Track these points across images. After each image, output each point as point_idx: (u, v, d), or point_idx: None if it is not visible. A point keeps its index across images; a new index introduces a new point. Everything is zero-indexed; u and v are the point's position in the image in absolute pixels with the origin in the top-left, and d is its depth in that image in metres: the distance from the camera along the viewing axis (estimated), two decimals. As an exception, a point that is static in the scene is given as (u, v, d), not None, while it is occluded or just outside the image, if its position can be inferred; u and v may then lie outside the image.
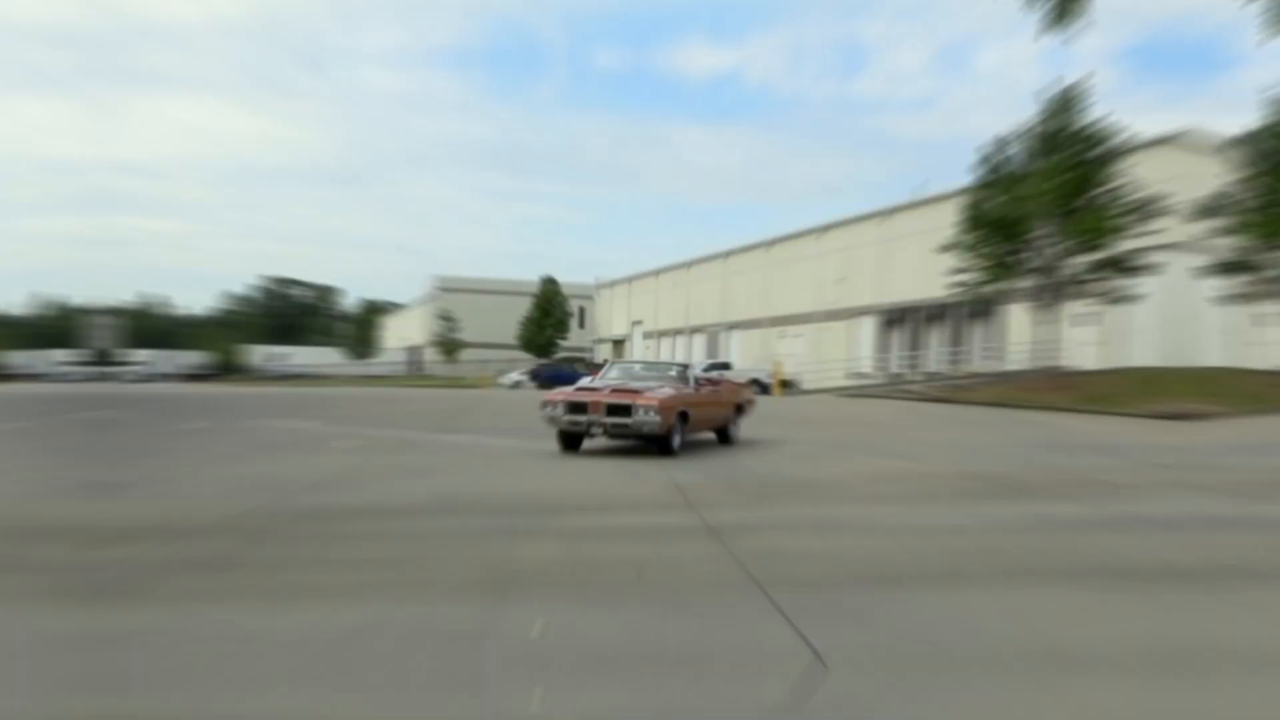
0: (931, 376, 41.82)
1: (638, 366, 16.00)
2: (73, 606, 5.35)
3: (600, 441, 15.11)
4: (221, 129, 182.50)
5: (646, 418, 13.10)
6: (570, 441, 13.93)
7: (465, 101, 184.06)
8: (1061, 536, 8.11)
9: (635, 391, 13.60)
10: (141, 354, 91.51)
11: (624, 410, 13.24)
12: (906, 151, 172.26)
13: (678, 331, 69.26)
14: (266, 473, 11.41)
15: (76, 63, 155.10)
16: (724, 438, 15.81)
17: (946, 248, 32.29)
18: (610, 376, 15.25)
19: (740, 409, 16.42)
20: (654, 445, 13.58)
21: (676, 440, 13.59)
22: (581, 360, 73.21)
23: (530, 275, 76.26)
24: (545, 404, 13.81)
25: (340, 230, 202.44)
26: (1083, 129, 30.14)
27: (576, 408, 13.54)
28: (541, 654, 4.49)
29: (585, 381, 15.17)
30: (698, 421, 14.36)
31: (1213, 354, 33.89)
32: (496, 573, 6.31)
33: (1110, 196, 29.67)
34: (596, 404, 13.41)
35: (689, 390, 14.56)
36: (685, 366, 15.60)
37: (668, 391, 13.86)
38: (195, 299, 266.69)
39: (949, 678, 4.48)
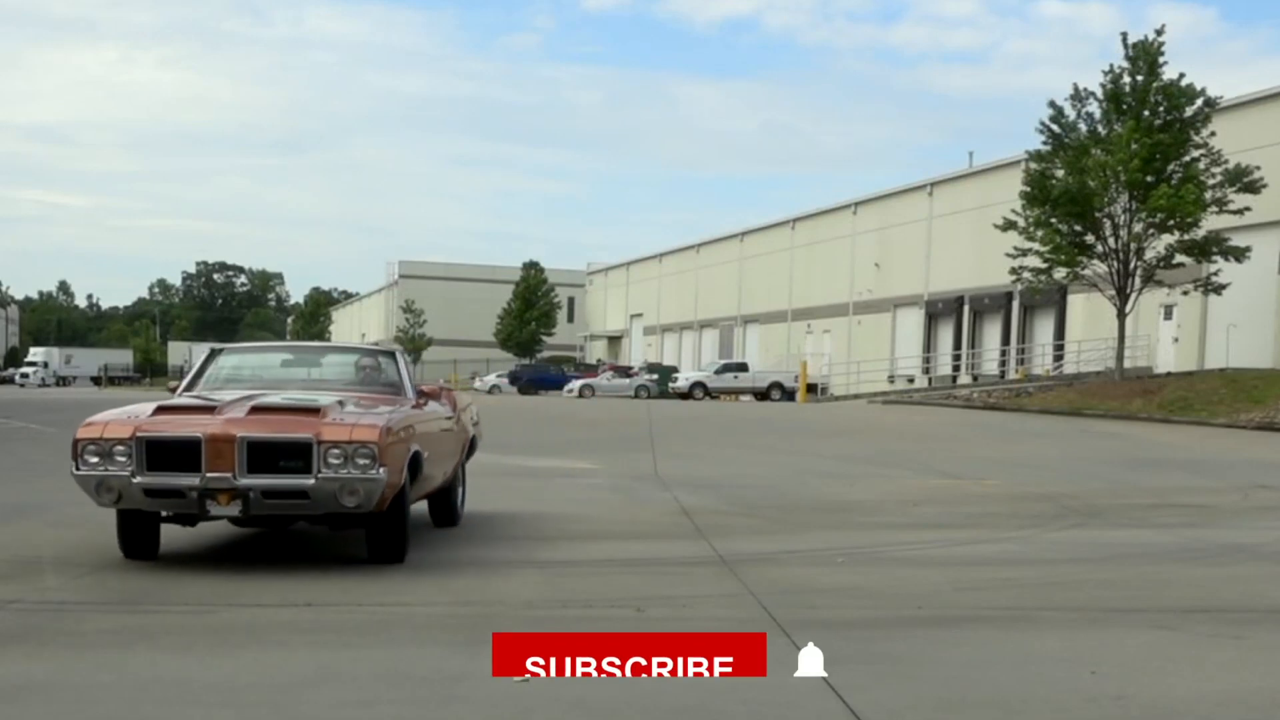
0: (986, 380, 41.88)
1: (278, 359, 10.02)
2: (-35, 652, 5.34)
3: (582, 446, 14.79)
4: (139, 85, 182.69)
5: (352, 473, 7.11)
6: (143, 537, 7.76)
7: (431, 53, 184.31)
8: (1141, 569, 8.12)
9: (309, 411, 7.45)
10: (39, 353, 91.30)
11: (294, 454, 7.13)
12: (955, 113, 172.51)
13: (684, 326, 69.36)
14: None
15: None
16: (443, 512, 9.64)
17: (1004, 227, 32.32)
18: (222, 378, 9.03)
19: (471, 450, 10.39)
20: (367, 536, 7.71)
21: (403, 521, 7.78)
22: (570, 360, 73.37)
23: (510, 260, 76.66)
24: (87, 446, 7.23)
25: (284, 207, 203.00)
26: (1165, 87, 30.18)
27: (169, 456, 7.16)
28: (525, 703, 4.49)
29: (190, 396, 8.64)
30: (425, 477, 8.35)
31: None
32: (470, 610, 6.31)
33: (1196, 167, 29.72)
34: (220, 444, 7.08)
35: (410, 410, 8.48)
36: (390, 354, 9.42)
37: (384, 413, 7.83)
38: (113, 288, 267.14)
39: (1007, 736, 4.47)
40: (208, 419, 7.35)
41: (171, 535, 8.72)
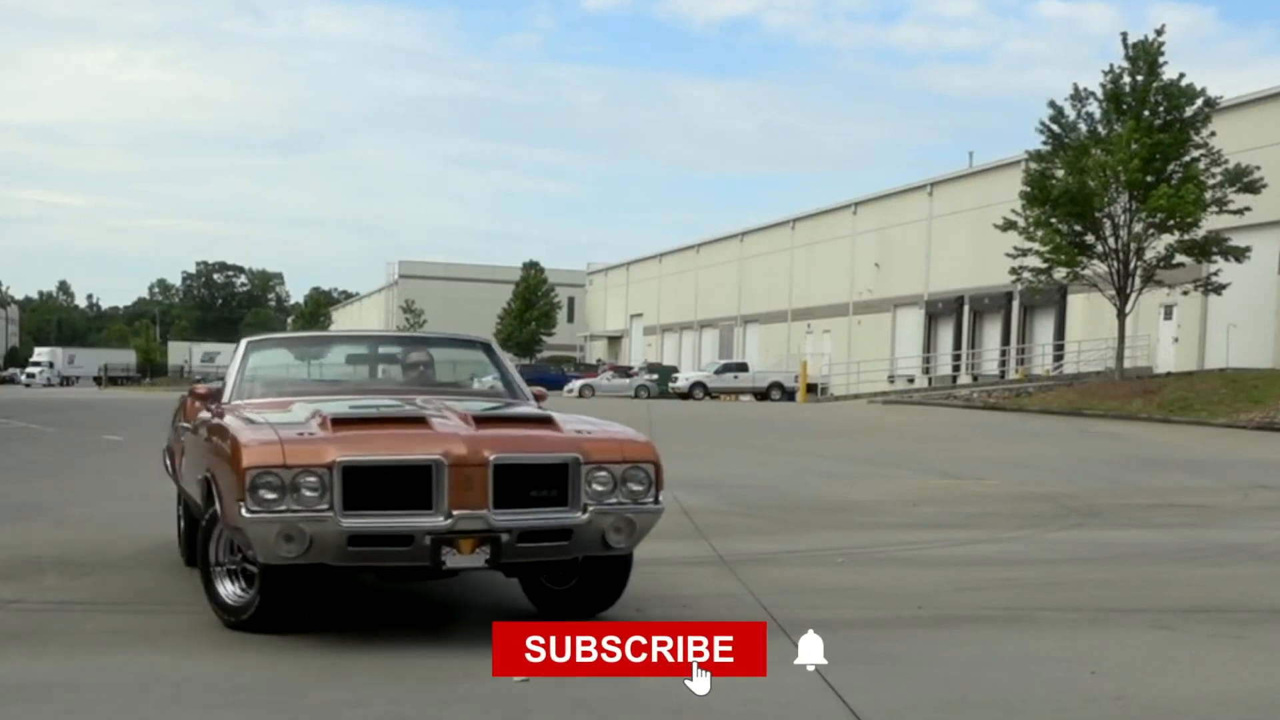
0: (986, 380, 41.87)
1: (342, 354, 8.29)
2: (-35, 652, 5.34)
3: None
4: (139, 85, 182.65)
5: (623, 503, 5.58)
6: (298, 599, 5.69)
7: (431, 53, 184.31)
8: (1141, 569, 8.13)
9: (539, 422, 5.95)
10: (44, 353, 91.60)
11: (549, 480, 5.48)
12: (955, 113, 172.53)
13: (684, 326, 69.34)
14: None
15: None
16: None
17: (1004, 227, 32.31)
18: (269, 379, 7.06)
19: None
20: (581, 583, 6.02)
21: None
22: (570, 360, 73.35)
23: (509, 260, 76.62)
24: (262, 477, 5.22)
25: (284, 207, 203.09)
26: (1165, 87, 30.18)
27: (383, 488, 5.29)
28: (525, 703, 4.49)
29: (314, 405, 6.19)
30: None
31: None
32: (470, 611, 6.31)
33: (1196, 167, 29.72)
34: (468, 469, 5.31)
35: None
36: (487, 345, 7.83)
37: (597, 421, 6.12)
38: (113, 288, 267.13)
39: (1007, 736, 4.47)
40: (426, 433, 5.43)
41: (171, 532, 8.72)
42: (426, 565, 5.30)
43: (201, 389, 6.99)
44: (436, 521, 5.21)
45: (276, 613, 5.59)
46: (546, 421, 5.82)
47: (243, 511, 5.13)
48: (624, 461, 5.55)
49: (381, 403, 6.36)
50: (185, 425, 7.28)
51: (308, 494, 5.15)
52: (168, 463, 8.34)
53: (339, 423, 5.51)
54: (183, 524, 7.76)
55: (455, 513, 5.21)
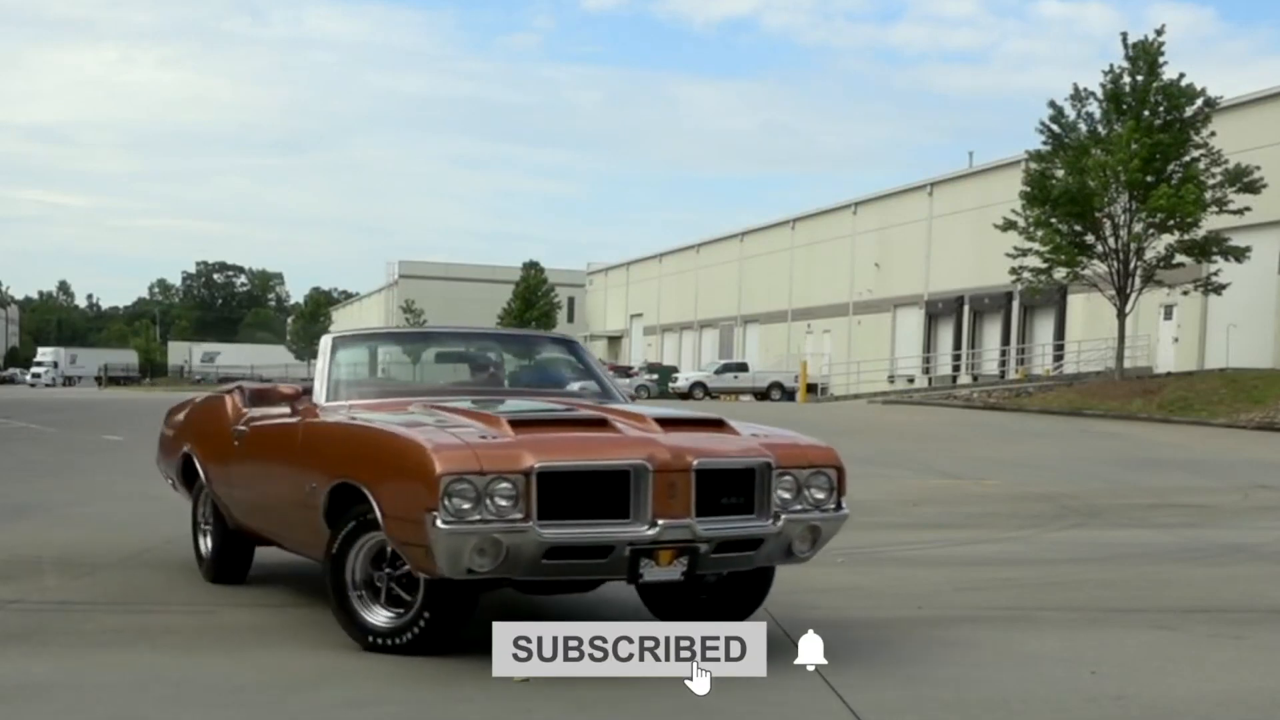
0: (986, 380, 41.87)
1: (431, 352, 7.72)
2: (-35, 652, 5.34)
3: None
4: (139, 85, 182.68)
5: (808, 510, 5.34)
6: (461, 619, 5.30)
7: (431, 53, 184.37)
8: (1141, 569, 8.13)
9: (714, 425, 5.62)
10: (48, 353, 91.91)
11: (738, 486, 5.18)
12: (955, 113, 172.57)
13: (684, 326, 69.34)
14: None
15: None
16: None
17: (1004, 227, 32.31)
18: (358, 379, 6.66)
19: None
20: (726, 590, 5.74)
21: None
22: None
23: (509, 259, 76.61)
24: (456, 485, 4.77)
25: (284, 207, 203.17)
26: (1165, 87, 30.18)
27: (579, 495, 4.91)
28: (525, 703, 4.50)
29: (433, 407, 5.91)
30: None
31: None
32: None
33: (1196, 167, 29.73)
34: (672, 475, 4.96)
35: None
36: (572, 343, 7.51)
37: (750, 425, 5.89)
38: (113, 288, 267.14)
39: (1007, 736, 4.47)
40: (622, 436, 5.15)
41: (171, 532, 8.71)
42: (624, 578, 4.99)
43: (287, 389, 6.30)
44: (640, 531, 4.86)
45: (444, 632, 5.19)
46: (721, 424, 5.53)
47: (437, 523, 4.67)
48: (808, 466, 5.32)
49: (524, 405, 5.88)
50: (241, 429, 6.60)
51: (501, 503, 4.75)
52: (174, 471, 7.63)
53: (518, 425, 5.12)
54: (211, 540, 7.06)
55: (660, 522, 4.86)
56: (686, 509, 4.91)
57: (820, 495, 5.32)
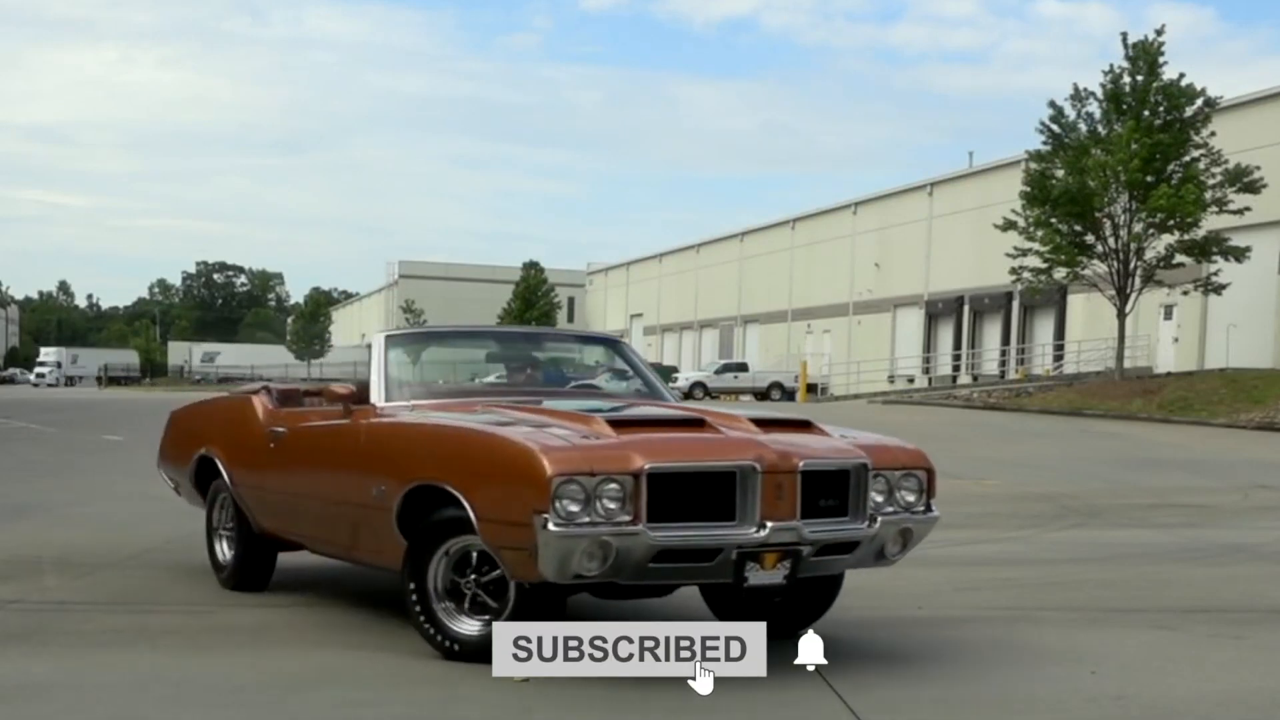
0: (986, 380, 41.87)
1: (482, 352, 7.47)
2: (-35, 652, 5.34)
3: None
4: (138, 85, 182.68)
5: (898, 513, 5.35)
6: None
7: (431, 53, 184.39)
8: (1141, 569, 8.13)
9: (802, 426, 5.51)
10: (51, 353, 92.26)
11: (835, 488, 5.10)
12: (955, 113, 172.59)
13: (684, 326, 69.34)
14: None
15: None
16: None
17: (1004, 227, 32.31)
18: (415, 379, 6.36)
19: None
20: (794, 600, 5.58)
21: None
22: (571, 360, 73.16)
23: (509, 259, 76.59)
24: (566, 486, 4.64)
25: (284, 207, 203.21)
26: (1165, 87, 30.19)
27: (686, 498, 4.79)
28: (525, 702, 4.50)
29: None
30: None
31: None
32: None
33: (1196, 167, 29.73)
34: (780, 476, 4.87)
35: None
36: (618, 343, 7.47)
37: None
38: (113, 288, 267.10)
39: (1007, 736, 4.47)
40: (728, 437, 5.05)
41: (171, 532, 8.72)
42: (727, 581, 4.88)
43: (341, 389, 6.06)
44: (749, 534, 4.75)
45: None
46: (810, 425, 5.43)
47: (548, 526, 4.53)
48: (900, 468, 5.28)
49: (593, 404, 5.72)
50: (278, 430, 6.39)
51: (609, 505, 4.61)
52: (184, 475, 7.35)
53: (617, 425, 4.98)
54: (233, 546, 6.85)
55: (768, 524, 4.76)
56: (792, 511, 4.83)
57: (910, 497, 5.29)
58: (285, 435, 6.35)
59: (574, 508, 4.58)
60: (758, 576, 4.84)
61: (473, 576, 5.08)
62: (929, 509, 5.34)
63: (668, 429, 5.18)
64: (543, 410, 5.42)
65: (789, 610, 5.53)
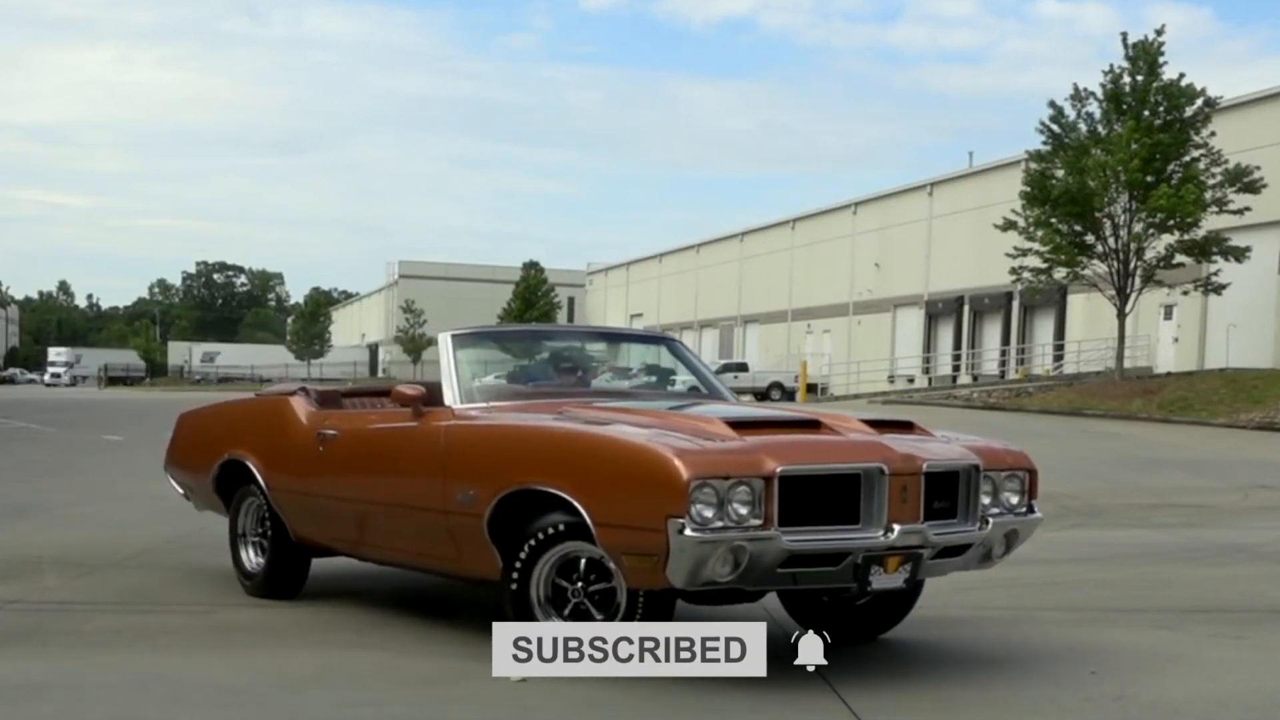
0: (986, 380, 41.86)
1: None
2: (-35, 652, 5.34)
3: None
4: (138, 85, 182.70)
5: (1003, 515, 5.29)
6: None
7: (430, 53, 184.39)
8: (1141, 569, 8.12)
9: (904, 426, 5.47)
10: (62, 353, 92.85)
11: (947, 490, 5.05)
12: (955, 113, 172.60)
13: (685, 326, 69.31)
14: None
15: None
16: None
17: (1004, 227, 32.31)
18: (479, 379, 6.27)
19: None
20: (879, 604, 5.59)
21: None
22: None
23: (509, 259, 76.58)
24: (702, 489, 4.52)
25: (284, 207, 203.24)
26: (1165, 87, 30.17)
27: (813, 501, 4.70)
28: (525, 702, 4.50)
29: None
30: None
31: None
32: (468, 610, 6.31)
33: (1196, 167, 29.72)
34: (906, 479, 4.81)
35: None
36: (672, 341, 7.20)
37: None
38: (113, 288, 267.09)
39: (1007, 736, 4.47)
40: (852, 440, 4.96)
41: (171, 532, 8.72)
42: (849, 586, 4.81)
43: (410, 390, 5.72)
44: (876, 537, 4.67)
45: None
46: (914, 426, 5.36)
47: (685, 531, 4.39)
48: (1004, 469, 5.23)
49: (701, 406, 5.61)
50: (328, 433, 6.16)
51: (740, 509, 4.48)
52: (205, 480, 7.04)
53: (738, 428, 4.87)
54: (265, 553, 6.63)
55: (896, 527, 4.68)
56: (916, 514, 4.76)
57: (1014, 499, 5.24)
58: (338, 438, 6.12)
59: (708, 512, 4.45)
60: (881, 580, 4.78)
61: (579, 584, 4.92)
62: (1031, 510, 5.30)
63: (788, 430, 5.07)
64: (643, 412, 5.28)
65: (872, 615, 5.54)
